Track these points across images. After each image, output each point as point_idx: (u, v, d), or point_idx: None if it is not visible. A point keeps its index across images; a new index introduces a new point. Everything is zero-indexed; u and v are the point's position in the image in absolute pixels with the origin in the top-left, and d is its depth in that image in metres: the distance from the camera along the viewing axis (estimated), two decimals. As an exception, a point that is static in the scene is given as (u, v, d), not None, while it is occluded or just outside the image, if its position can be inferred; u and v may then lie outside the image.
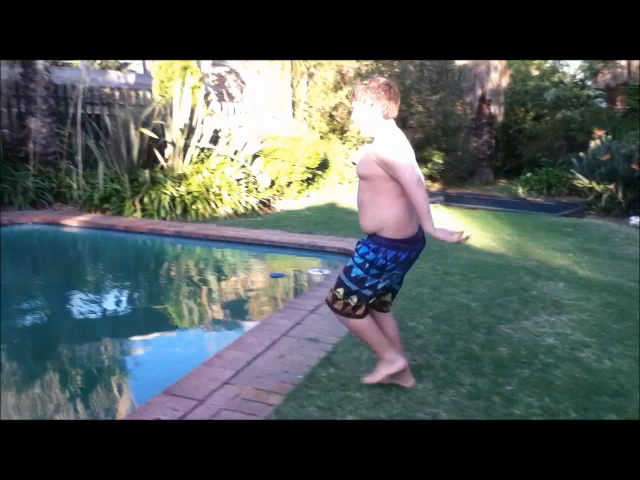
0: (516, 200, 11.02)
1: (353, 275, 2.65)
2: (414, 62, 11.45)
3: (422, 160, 11.43)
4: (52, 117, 8.27)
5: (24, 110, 8.30)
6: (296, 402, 2.68)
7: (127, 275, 5.75)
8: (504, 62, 13.30)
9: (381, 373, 2.81)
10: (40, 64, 7.97)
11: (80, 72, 10.76)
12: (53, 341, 4.04)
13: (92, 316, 4.56)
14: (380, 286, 2.66)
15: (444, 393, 2.78)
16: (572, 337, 3.57)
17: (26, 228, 6.89)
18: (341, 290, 2.68)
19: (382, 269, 2.59)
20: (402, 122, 11.35)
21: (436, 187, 12.07)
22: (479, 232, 7.09)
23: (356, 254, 2.68)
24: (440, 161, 11.65)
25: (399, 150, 2.53)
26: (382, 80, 2.66)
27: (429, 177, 11.82)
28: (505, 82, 13.55)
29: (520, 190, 11.60)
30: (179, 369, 3.46)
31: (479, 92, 13.33)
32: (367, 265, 2.60)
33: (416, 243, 2.67)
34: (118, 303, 5.01)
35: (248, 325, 4.32)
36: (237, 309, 4.90)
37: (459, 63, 12.94)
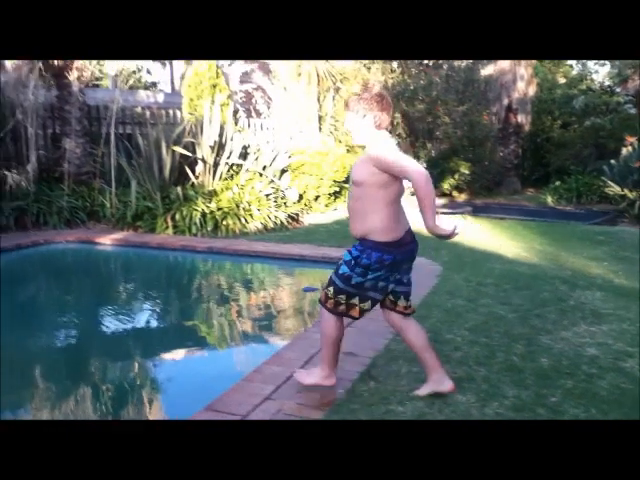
0: (545, 209, 10.90)
1: (341, 272, 2.76)
2: (440, 73, 11.47)
3: (449, 171, 11.43)
4: (85, 137, 8.48)
5: (59, 131, 8.53)
6: (339, 417, 2.68)
7: (162, 292, 5.84)
8: (530, 70, 13.21)
9: (314, 379, 2.98)
10: (75, 86, 8.19)
11: (111, 93, 11.05)
12: (93, 358, 4.11)
13: (130, 333, 4.62)
14: (368, 285, 2.73)
15: (488, 406, 2.75)
16: (614, 347, 3.51)
17: (61, 247, 7.04)
18: (331, 288, 2.79)
19: (367, 268, 2.68)
20: (429, 134, 11.38)
21: (463, 198, 12.00)
22: (510, 242, 7.02)
23: (345, 254, 2.80)
24: (467, 172, 11.62)
25: (391, 155, 2.58)
26: (375, 91, 2.70)
27: (456, 188, 11.78)
28: (532, 91, 13.43)
29: (549, 199, 11.47)
30: (219, 385, 3.50)
31: (505, 101, 13.24)
32: (353, 263, 2.71)
33: (402, 247, 2.72)
34: (155, 319, 5.08)
35: (284, 340, 4.34)
36: (272, 324, 4.92)
37: (485, 73, 12.91)
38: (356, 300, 2.80)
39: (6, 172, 7.46)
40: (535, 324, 3.92)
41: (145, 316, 5.20)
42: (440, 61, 12.49)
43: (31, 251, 6.77)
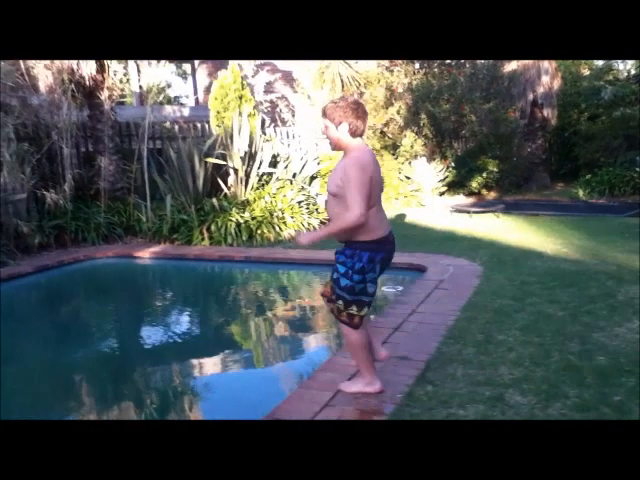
0: (578, 203, 10.72)
1: (342, 285, 2.80)
2: (465, 72, 11.41)
3: (477, 169, 11.34)
4: (118, 154, 8.64)
5: (92, 149, 8.71)
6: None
7: (207, 302, 5.93)
8: (554, 64, 13.04)
9: (357, 387, 3.03)
10: (106, 105, 8.36)
11: (137, 109, 11.26)
12: (145, 369, 4.19)
13: (179, 343, 4.67)
14: (370, 290, 2.83)
15: (551, 406, 2.74)
16: (672, 342, 3.46)
17: (102, 262, 7.19)
18: (341, 302, 2.84)
19: (362, 272, 2.76)
20: (455, 133, 11.32)
21: (492, 195, 11.89)
22: (547, 238, 6.95)
23: (338, 265, 2.83)
24: (495, 169, 11.51)
25: (362, 173, 2.63)
26: (351, 99, 2.82)
27: (484, 186, 11.69)
28: (557, 84, 13.24)
29: (581, 193, 11.29)
30: (276, 393, 3.55)
31: (530, 97, 13.06)
32: (350, 272, 2.77)
33: (387, 244, 2.84)
34: (203, 330, 5.13)
35: (332, 345, 4.37)
36: (319, 329, 4.95)
37: (508, 69, 12.79)
38: (366, 309, 2.87)
39: (44, 192, 7.65)
40: (587, 321, 3.87)
41: (193, 327, 5.28)
42: (462, 60, 12.44)
43: (73, 267, 6.94)
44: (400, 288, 5.29)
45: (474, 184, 11.37)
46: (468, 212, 9.12)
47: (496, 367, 3.23)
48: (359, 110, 2.75)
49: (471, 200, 11.29)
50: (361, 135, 2.80)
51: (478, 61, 12.38)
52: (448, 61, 12.46)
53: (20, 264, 6.83)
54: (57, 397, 3.77)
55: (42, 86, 7.84)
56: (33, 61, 7.61)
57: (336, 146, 2.82)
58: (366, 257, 2.75)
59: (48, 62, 7.64)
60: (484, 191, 11.78)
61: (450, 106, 10.86)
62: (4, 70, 6.94)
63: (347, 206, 2.64)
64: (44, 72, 7.75)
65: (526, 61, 12.93)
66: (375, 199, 2.77)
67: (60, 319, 5.55)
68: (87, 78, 7.96)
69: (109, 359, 4.40)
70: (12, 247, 7.11)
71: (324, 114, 2.80)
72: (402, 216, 9.39)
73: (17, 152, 7.14)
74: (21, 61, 7.39)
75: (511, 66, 12.89)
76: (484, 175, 11.41)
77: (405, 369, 3.34)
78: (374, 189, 2.74)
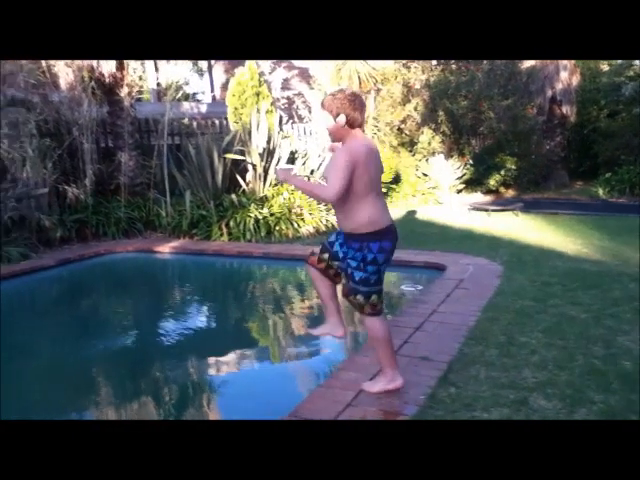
0: (597, 202, 10.63)
1: (357, 279, 2.86)
2: (482, 68, 11.32)
3: (494, 167, 11.26)
4: (137, 150, 8.71)
5: (112, 145, 8.78)
6: (426, 423, 2.70)
7: (227, 298, 5.98)
8: (573, 60, 12.90)
9: (380, 386, 3.05)
10: (126, 102, 8.42)
11: (154, 106, 11.33)
12: (163, 364, 4.23)
13: (199, 339, 4.70)
14: (383, 277, 2.91)
15: (576, 412, 2.73)
16: (698, 347, 3.42)
17: (122, 257, 7.26)
18: (360, 297, 2.88)
19: (375, 263, 2.81)
20: (472, 129, 11.24)
21: (510, 193, 11.81)
22: (567, 238, 6.90)
23: (349, 260, 2.89)
24: (513, 167, 11.43)
25: (347, 162, 2.66)
26: (348, 91, 2.84)
27: (502, 183, 11.61)
28: (575, 81, 13.10)
29: (600, 191, 11.18)
30: (297, 391, 3.58)
31: (549, 93, 12.94)
32: (362, 265, 2.82)
33: (392, 233, 2.89)
34: (224, 325, 5.16)
35: (353, 344, 4.38)
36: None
37: (526, 65, 12.67)
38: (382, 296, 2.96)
39: (66, 187, 7.74)
40: (610, 325, 3.85)
41: (213, 323, 5.32)
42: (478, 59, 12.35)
43: (94, 261, 7.03)
44: (420, 287, 5.29)
45: (492, 182, 11.30)
46: (486, 210, 9.07)
47: (519, 370, 3.22)
48: (356, 102, 2.78)
49: (489, 198, 11.22)
50: (360, 126, 2.83)
51: (496, 57, 12.30)
52: (466, 57, 12.38)
53: (42, 257, 6.93)
54: (82, 390, 3.83)
55: (63, 83, 7.93)
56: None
57: (335, 137, 2.87)
58: (376, 247, 2.79)
59: (69, 60, 7.71)
60: (502, 189, 11.71)
61: (468, 103, 10.79)
62: (26, 68, 7.01)
63: (347, 189, 2.70)
64: (64, 69, 7.84)
65: (545, 57, 12.83)
66: (371, 188, 2.78)
67: (82, 312, 5.62)
68: (107, 75, 8.04)
69: (130, 353, 4.45)
70: (34, 240, 7.22)
71: (322, 106, 2.84)
72: (419, 214, 9.37)
73: (39, 148, 7.23)
74: (43, 58, 7.47)
75: (529, 62, 12.77)
76: (502, 173, 11.34)
77: (427, 370, 3.34)
78: (367, 177, 2.74)
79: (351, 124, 2.78)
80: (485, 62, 11.99)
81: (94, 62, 7.77)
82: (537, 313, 4.15)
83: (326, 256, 3.04)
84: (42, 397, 3.66)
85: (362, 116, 2.83)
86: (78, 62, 7.72)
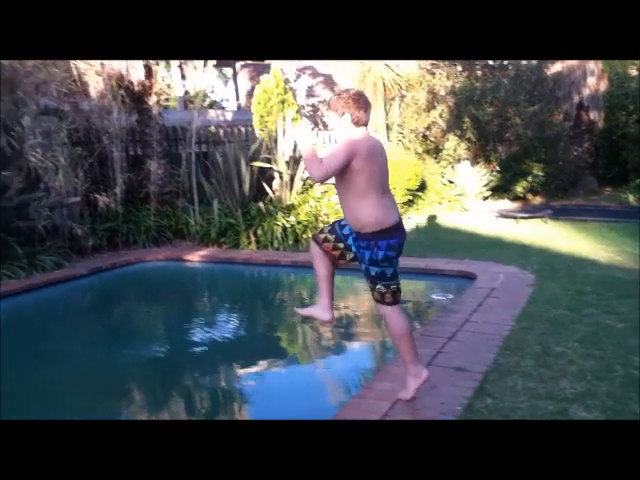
0: (627, 209, 10.45)
1: (373, 274, 2.92)
2: (508, 74, 11.24)
3: (521, 173, 11.15)
4: (166, 158, 8.82)
5: (140, 153, 8.92)
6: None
7: (257, 307, 6.01)
8: (601, 65, 12.73)
9: (412, 387, 3.06)
10: (155, 110, 8.55)
11: (180, 114, 11.47)
12: (191, 372, 4.28)
13: (230, 350, 4.71)
14: (398, 269, 2.97)
15: (619, 424, 2.68)
16: None
17: (152, 265, 7.35)
18: (380, 285, 2.93)
19: (387, 259, 2.86)
20: (498, 136, 11.16)
21: (538, 200, 11.67)
22: (599, 246, 6.80)
23: (362, 258, 2.92)
24: (540, 173, 11.31)
25: (344, 148, 2.71)
26: (353, 91, 2.92)
27: (530, 190, 11.49)
28: (603, 86, 12.93)
29: (631, 198, 10.99)
30: (330, 402, 3.58)
31: (576, 99, 12.79)
32: (375, 262, 2.86)
33: (400, 230, 2.92)
34: (254, 336, 5.16)
35: (386, 354, 4.37)
36: (371, 337, 4.94)
37: (553, 70, 12.55)
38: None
39: (97, 195, 7.87)
40: (649, 334, 3.78)
41: (245, 332, 5.31)
42: (505, 61, 12.26)
43: (125, 270, 7.12)
44: (450, 296, 5.25)
45: (519, 188, 11.19)
46: (514, 217, 8.99)
47: (557, 381, 3.18)
48: (361, 101, 2.85)
49: (516, 205, 11.11)
50: (365, 125, 2.89)
51: (522, 62, 12.19)
52: (491, 62, 12.30)
53: (75, 266, 7.04)
54: (125, 396, 3.89)
55: (93, 92, 8.07)
56: (85, 67, 7.84)
57: (340, 136, 2.91)
58: (384, 244, 2.83)
59: (99, 68, 7.87)
60: (529, 196, 11.58)
61: (494, 109, 10.71)
62: (59, 77, 7.17)
63: (348, 185, 2.80)
64: (95, 78, 7.98)
65: (571, 62, 12.66)
66: (373, 185, 2.81)
67: (117, 321, 5.71)
68: (136, 83, 8.15)
69: (161, 361, 4.51)
70: (67, 249, 7.34)
71: (328, 106, 2.92)
72: (446, 221, 9.32)
73: (71, 156, 7.35)
74: (74, 67, 7.63)
75: (555, 67, 12.64)
76: (529, 179, 11.22)
77: (462, 380, 3.32)
78: (368, 173, 2.77)
79: (356, 122, 2.84)
80: (511, 68, 11.92)
81: (124, 70, 7.90)
82: (572, 322, 4.10)
83: (334, 238, 3.02)
84: (76, 401, 3.72)
85: (367, 115, 2.89)
86: (108, 70, 7.86)
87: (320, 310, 3.17)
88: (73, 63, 7.51)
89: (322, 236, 3.08)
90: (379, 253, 2.83)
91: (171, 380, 4.11)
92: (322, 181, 2.78)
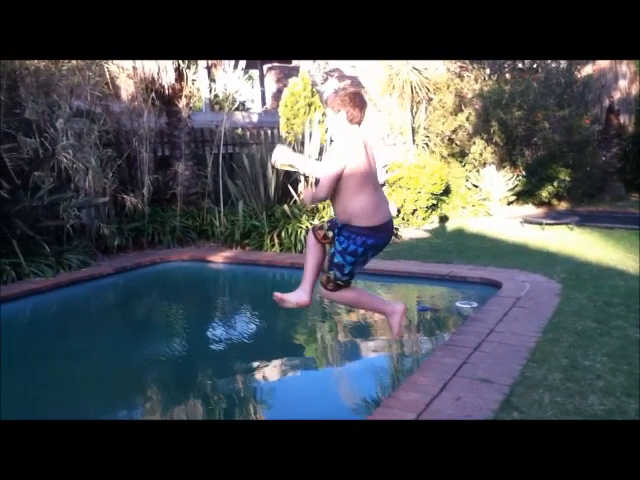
0: (657, 216, 10.23)
1: (335, 262, 3.11)
2: (538, 77, 11.10)
3: (547, 178, 11.00)
4: (193, 160, 8.93)
5: (168, 155, 9.04)
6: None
7: (281, 309, 6.00)
8: (634, 68, 12.50)
9: (395, 325, 3.35)
10: (184, 112, 8.66)
11: (208, 115, 11.57)
12: (207, 373, 4.33)
13: (254, 353, 4.73)
14: (357, 269, 3.14)
15: (649, 443, 2.65)
16: None
17: (177, 265, 7.46)
18: (332, 273, 3.14)
19: (354, 254, 3.03)
20: (525, 140, 11.03)
21: (563, 206, 11.51)
22: (627, 255, 6.67)
23: (336, 243, 3.11)
24: (567, 178, 11.14)
25: (336, 161, 2.90)
26: (350, 89, 3.14)
27: (555, 195, 11.33)
28: (635, 89, 12.70)
29: (660, 205, 10.79)
30: (354, 411, 3.59)
31: (606, 102, 12.61)
32: (343, 252, 3.04)
33: (382, 232, 3.05)
34: (277, 340, 5.17)
35: (410, 363, 4.37)
36: (394, 346, 4.90)
37: (583, 73, 12.36)
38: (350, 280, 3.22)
39: (124, 196, 8.00)
40: (680, 350, 3.71)
41: (270, 334, 5.31)
42: (535, 65, 12.11)
43: (150, 269, 7.23)
44: (475, 304, 5.22)
45: (544, 193, 11.05)
46: (540, 224, 8.88)
47: (585, 396, 3.15)
48: (356, 99, 3.00)
49: (541, 210, 10.97)
50: (359, 123, 3.03)
51: (551, 65, 12.03)
52: (520, 65, 12.16)
53: (101, 265, 7.17)
54: (152, 391, 3.96)
55: (124, 94, 8.21)
56: (117, 71, 7.98)
57: (335, 133, 3.08)
58: (360, 241, 2.99)
59: (131, 72, 8.00)
60: (554, 201, 11.43)
61: (522, 113, 10.58)
62: (93, 81, 7.30)
63: (344, 183, 2.94)
64: (126, 81, 8.12)
65: (602, 65, 12.46)
66: (365, 182, 2.97)
67: (142, 319, 5.81)
68: (166, 87, 8.26)
69: (186, 358, 4.60)
70: (93, 248, 7.49)
71: (326, 103, 3.10)
72: (470, 226, 9.25)
73: (101, 157, 7.49)
74: (107, 71, 7.77)
75: (586, 70, 12.45)
76: (555, 184, 11.07)
77: (488, 393, 3.30)
78: (358, 174, 2.93)
79: (351, 120, 2.99)
80: (540, 71, 11.77)
81: (155, 74, 8.01)
82: (600, 335, 4.05)
83: (330, 234, 3.23)
84: (99, 397, 3.80)
85: (362, 113, 3.03)
86: (140, 74, 7.98)
87: (302, 293, 3.33)
88: (106, 66, 7.64)
89: (321, 232, 3.28)
90: (351, 246, 3.02)
91: (189, 378, 4.21)
92: (326, 199, 3.00)
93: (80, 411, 3.56)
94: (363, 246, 3.01)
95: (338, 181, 2.94)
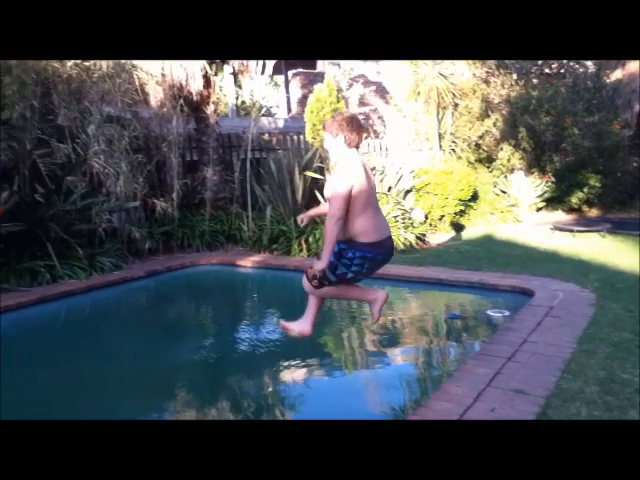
0: (691, 223, 10.00)
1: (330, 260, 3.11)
2: (566, 83, 10.97)
3: (577, 184, 10.85)
4: (221, 165, 9.02)
5: (196, 160, 9.14)
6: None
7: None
8: (666, 72, 12.29)
9: (375, 311, 3.43)
10: (212, 118, 8.76)
11: (233, 121, 11.67)
12: (226, 379, 4.36)
13: (281, 355, 4.74)
14: (350, 277, 3.18)
15: (693, 460, 2.59)
16: None
17: (206, 269, 7.54)
18: (323, 274, 3.13)
19: (351, 261, 3.08)
20: (554, 145, 10.90)
21: (594, 212, 11.33)
22: (662, 264, 6.54)
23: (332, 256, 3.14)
24: (597, 184, 10.97)
25: (344, 180, 2.98)
26: (347, 114, 3.16)
27: (585, 202, 11.17)
28: (666, 94, 12.48)
29: (693, 212, 10.55)
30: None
31: (637, 107, 12.41)
32: (339, 255, 3.09)
33: (382, 248, 3.14)
34: (308, 344, 5.18)
35: (441, 372, 4.34)
36: (426, 354, 4.87)
37: (612, 78, 12.18)
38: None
39: (155, 200, 8.11)
40: None
41: (296, 338, 5.32)
42: (562, 70, 11.98)
43: (180, 273, 7.33)
44: (507, 313, 5.16)
45: (574, 200, 10.90)
46: (571, 231, 8.75)
47: (624, 411, 3.09)
48: (353, 124, 3.10)
49: (571, 217, 10.82)
50: (357, 146, 3.13)
51: (579, 70, 11.88)
52: (547, 71, 12.03)
53: (132, 268, 7.29)
54: (185, 394, 4.00)
55: (153, 101, 8.34)
56: (146, 77, 8.11)
57: (334, 155, 3.19)
58: (358, 254, 3.08)
59: (160, 78, 8.12)
60: (585, 207, 11.26)
61: (550, 119, 10.46)
62: (123, 88, 7.43)
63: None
64: (155, 88, 8.24)
65: (632, 69, 12.27)
66: (367, 204, 3.06)
67: (174, 322, 5.90)
68: (194, 93, 8.36)
69: (217, 360, 4.67)
70: (125, 251, 7.61)
71: (324, 127, 3.17)
72: (499, 233, 9.16)
73: (131, 163, 7.61)
74: (136, 78, 7.90)
75: (615, 75, 12.27)
76: (585, 190, 10.91)
77: (523, 404, 3.25)
78: (362, 196, 3.02)
79: (349, 144, 3.09)
80: (568, 76, 11.63)
81: (183, 81, 8.12)
82: (638, 347, 3.96)
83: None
84: (135, 397, 3.86)
85: (359, 137, 3.13)
86: (169, 81, 8.10)
87: (304, 323, 3.46)
88: (135, 73, 7.77)
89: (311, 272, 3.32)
90: (349, 252, 3.08)
91: (222, 379, 4.31)
92: (338, 217, 2.99)
93: (117, 410, 3.63)
94: (361, 259, 3.09)
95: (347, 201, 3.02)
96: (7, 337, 4.86)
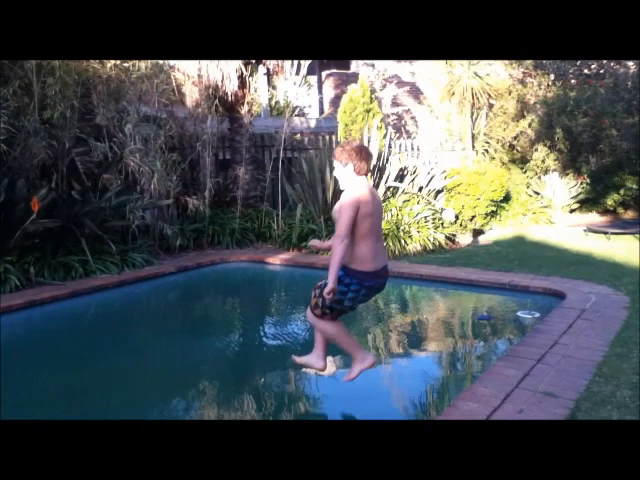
0: None
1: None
2: (607, 84, 10.72)
3: (613, 186, 10.61)
4: (253, 164, 9.12)
5: (229, 159, 9.26)
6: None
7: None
8: None
9: (357, 370, 3.42)
10: (246, 118, 8.86)
11: (266, 120, 11.77)
12: (253, 375, 4.38)
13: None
14: (346, 304, 3.21)
15: None
16: None
17: (235, 266, 7.64)
18: (320, 301, 3.20)
19: (347, 287, 3.12)
20: (591, 147, 10.67)
21: (630, 215, 11.04)
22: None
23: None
24: (634, 186, 10.70)
25: (350, 204, 3.02)
26: (355, 144, 3.24)
27: (621, 203, 10.90)
28: None
29: None
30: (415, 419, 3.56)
31: (679, 108, 12.03)
32: (338, 281, 3.05)
33: (377, 277, 3.20)
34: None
35: (469, 372, 4.31)
36: (454, 354, 4.84)
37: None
38: (335, 314, 3.31)
39: (187, 198, 8.26)
40: None
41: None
42: (602, 70, 11.71)
43: (211, 269, 7.45)
44: (537, 314, 5.09)
45: (610, 202, 10.65)
46: (605, 233, 8.56)
47: (658, 415, 3.03)
48: (362, 153, 3.17)
49: (605, 219, 10.58)
50: (365, 174, 3.21)
51: (620, 70, 11.60)
52: (586, 72, 11.79)
53: (163, 263, 7.43)
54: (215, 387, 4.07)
55: (189, 101, 8.49)
56: (183, 78, 8.26)
57: (344, 184, 3.23)
58: (355, 281, 3.13)
59: (196, 79, 8.26)
60: (620, 209, 10.99)
61: (588, 120, 10.25)
62: (160, 88, 7.59)
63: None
64: (192, 88, 8.39)
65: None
66: (371, 231, 3.11)
67: (205, 317, 6.00)
68: (230, 94, 8.47)
69: (254, 356, 4.72)
70: (156, 248, 7.76)
71: (334, 156, 3.26)
72: (531, 234, 9.03)
73: (166, 161, 7.76)
74: (173, 78, 8.05)
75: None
76: (621, 192, 10.65)
77: (552, 407, 3.21)
78: (367, 221, 3.07)
79: (358, 172, 3.16)
80: (608, 77, 11.37)
81: (219, 81, 8.24)
82: (670, 353, 3.87)
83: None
84: (165, 391, 3.93)
85: (368, 165, 3.21)
86: (205, 81, 8.23)
87: (315, 358, 3.53)
88: (173, 74, 7.93)
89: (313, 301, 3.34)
90: (347, 280, 3.12)
91: (246, 374, 4.34)
92: (344, 239, 3.00)
93: (146, 406, 3.71)
94: (359, 285, 3.15)
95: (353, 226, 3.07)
96: (44, 330, 5.03)
